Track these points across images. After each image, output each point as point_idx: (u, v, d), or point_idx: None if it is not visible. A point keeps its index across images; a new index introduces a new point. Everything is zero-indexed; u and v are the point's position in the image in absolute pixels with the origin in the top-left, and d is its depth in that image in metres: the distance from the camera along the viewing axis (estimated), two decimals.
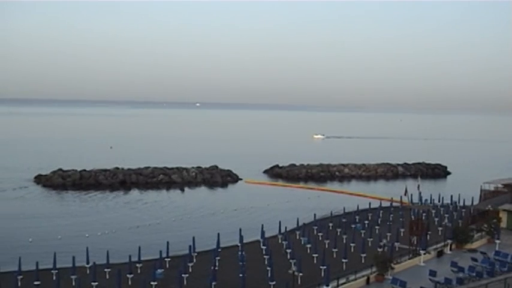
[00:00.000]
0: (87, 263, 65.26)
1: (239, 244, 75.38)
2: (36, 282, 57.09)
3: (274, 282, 58.27)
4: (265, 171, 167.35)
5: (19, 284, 57.18)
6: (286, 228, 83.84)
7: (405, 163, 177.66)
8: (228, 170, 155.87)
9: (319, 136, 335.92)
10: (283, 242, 78.45)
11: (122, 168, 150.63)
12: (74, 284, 58.89)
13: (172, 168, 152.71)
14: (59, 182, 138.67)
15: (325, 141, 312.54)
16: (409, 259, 67.31)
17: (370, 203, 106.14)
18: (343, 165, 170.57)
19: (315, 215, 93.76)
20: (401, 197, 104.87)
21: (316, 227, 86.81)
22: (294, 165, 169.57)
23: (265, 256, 70.42)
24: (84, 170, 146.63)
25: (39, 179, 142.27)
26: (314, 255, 70.59)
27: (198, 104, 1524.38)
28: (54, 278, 59.79)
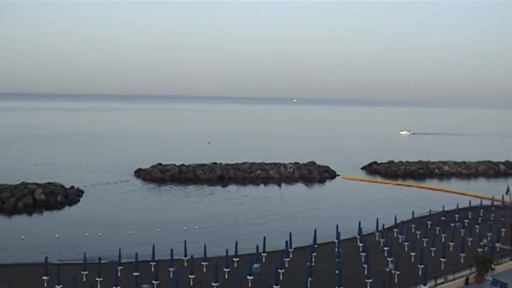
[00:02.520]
0: (185, 256, 66.26)
1: (336, 241, 74.96)
2: (135, 274, 58.25)
3: (370, 280, 57.76)
4: (363, 168, 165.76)
5: (119, 274, 58.48)
6: (383, 225, 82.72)
7: (507, 161, 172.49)
8: (326, 166, 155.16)
9: (405, 132, 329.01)
10: (381, 240, 77.60)
11: (220, 163, 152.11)
12: (171, 276, 59.88)
13: (269, 164, 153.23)
14: (158, 176, 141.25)
15: (412, 138, 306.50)
16: (510, 260, 65.48)
17: (470, 202, 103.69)
18: (442, 162, 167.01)
19: (413, 212, 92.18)
20: (503, 196, 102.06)
21: (414, 225, 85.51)
22: (392, 162, 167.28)
23: (362, 253, 69.84)
24: (183, 165, 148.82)
25: (139, 173, 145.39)
26: (412, 253, 69.52)
27: (295, 100, 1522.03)
28: (152, 269, 60.91)
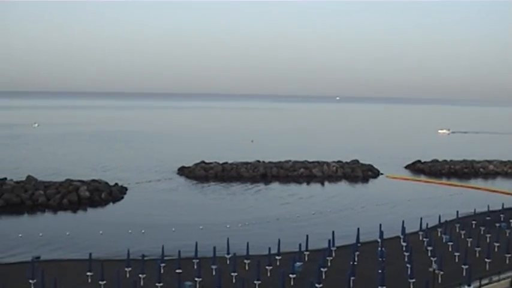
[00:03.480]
0: (228, 254, 66.40)
1: (379, 240, 74.44)
2: (178, 271, 58.57)
3: (413, 280, 57.31)
4: (407, 167, 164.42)
5: (162, 271, 58.92)
6: (427, 225, 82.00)
7: None
8: (369, 165, 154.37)
9: (444, 131, 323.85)
10: (424, 239, 76.88)
11: (263, 161, 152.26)
12: (214, 273, 60.06)
13: (312, 162, 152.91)
14: (202, 174, 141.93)
15: (452, 136, 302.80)
16: None
17: None
18: (487, 161, 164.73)
19: (457, 212, 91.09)
20: None
21: (458, 225, 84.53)
22: (436, 160, 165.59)
23: (405, 253, 69.35)
24: (226, 163, 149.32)
25: (183, 171, 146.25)
26: (456, 253, 68.70)
27: (337, 98, 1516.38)
28: (195, 266, 61.18)
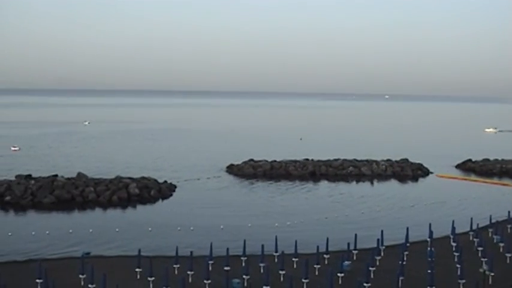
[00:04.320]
0: (276, 252, 66.42)
1: (428, 239, 73.81)
2: (226, 268, 58.81)
3: (463, 281, 56.58)
4: (457, 166, 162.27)
5: (210, 268, 59.14)
6: (478, 225, 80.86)
7: None
8: (419, 164, 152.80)
9: (491, 130, 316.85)
10: (475, 240, 75.80)
11: (312, 160, 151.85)
12: (262, 271, 60.10)
13: (362, 161, 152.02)
14: (250, 171, 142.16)
15: (499, 135, 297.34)
16: None
17: None
18: None
19: (509, 212, 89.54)
20: None
21: (510, 226, 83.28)
22: (487, 160, 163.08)
23: (455, 253, 68.47)
24: (275, 161, 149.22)
25: (231, 169, 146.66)
26: (507, 254, 67.64)
27: (387, 97, 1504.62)
28: (243, 264, 61.39)
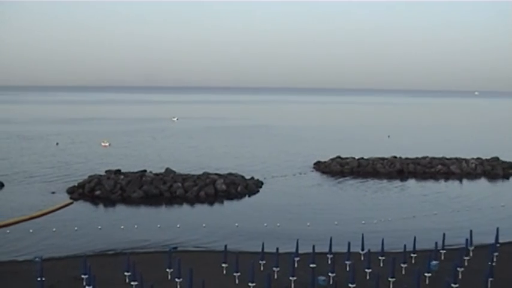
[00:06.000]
0: (362, 250, 65.93)
1: None
2: (312, 265, 58.65)
3: None
4: None
5: (296, 265, 59.06)
6: None
7: None
8: (510, 162, 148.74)
9: None
10: None
11: (400, 157, 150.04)
12: (347, 269, 59.84)
13: (450, 159, 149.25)
14: (337, 169, 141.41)
15: None
16: None
17: None
18: None
19: None
20: None
21: None
22: None
23: None
24: (362, 158, 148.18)
25: (318, 166, 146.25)
26: None
27: (476, 93, 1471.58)
28: (329, 262, 61.11)
